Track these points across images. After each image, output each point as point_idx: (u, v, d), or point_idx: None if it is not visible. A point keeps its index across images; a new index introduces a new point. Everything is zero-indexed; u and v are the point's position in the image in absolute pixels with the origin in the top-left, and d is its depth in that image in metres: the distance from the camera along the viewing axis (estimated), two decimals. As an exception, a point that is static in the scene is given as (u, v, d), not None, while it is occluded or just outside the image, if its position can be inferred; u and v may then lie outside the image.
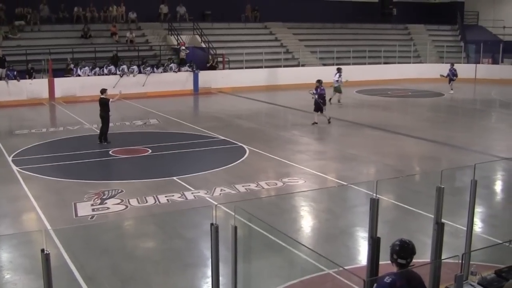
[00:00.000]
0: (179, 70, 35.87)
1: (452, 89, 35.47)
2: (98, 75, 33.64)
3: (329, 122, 24.56)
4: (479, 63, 44.08)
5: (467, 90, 37.50)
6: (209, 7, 43.34)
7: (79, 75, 33.33)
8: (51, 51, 33.78)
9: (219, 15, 42.94)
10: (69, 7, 38.79)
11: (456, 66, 36.65)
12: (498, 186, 16.28)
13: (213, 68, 37.64)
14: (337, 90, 31.15)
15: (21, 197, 14.46)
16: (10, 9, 36.97)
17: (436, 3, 52.01)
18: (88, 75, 33.46)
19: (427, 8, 51.86)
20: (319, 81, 24.72)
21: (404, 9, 50.33)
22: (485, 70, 43.21)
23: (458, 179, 14.53)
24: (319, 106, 24.41)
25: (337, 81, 31.02)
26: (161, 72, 35.21)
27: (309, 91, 24.54)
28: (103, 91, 20.84)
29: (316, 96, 24.29)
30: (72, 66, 33.40)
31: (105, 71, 34.00)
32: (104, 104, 20.59)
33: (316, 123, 24.35)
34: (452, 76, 35.77)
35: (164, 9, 41.44)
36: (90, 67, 33.83)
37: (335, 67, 32.83)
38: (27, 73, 32.12)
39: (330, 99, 30.03)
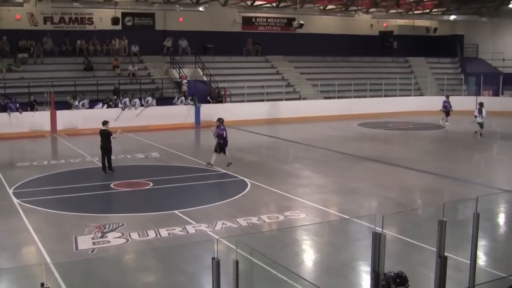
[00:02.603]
0: (182, 102, 35.93)
1: (447, 121, 35.56)
2: (98, 106, 33.73)
3: (227, 165, 22.14)
4: (479, 95, 44.14)
5: (468, 122, 37.53)
6: (211, 40, 43.63)
7: (78, 108, 33.35)
8: (54, 84, 33.99)
9: (221, 49, 43.20)
10: (72, 40, 39.13)
11: (456, 98, 36.85)
12: (501, 219, 16.21)
13: (220, 101, 37.72)
14: (481, 125, 31.17)
15: (21, 229, 14.40)
16: (13, 41, 37.28)
17: (436, 36, 52.29)
18: (87, 108, 33.46)
19: (427, 41, 52.16)
20: (219, 120, 22.56)
21: (405, 42, 50.65)
22: (485, 102, 42.93)
23: (460, 212, 14.46)
24: (220, 146, 22.24)
25: (480, 116, 31.06)
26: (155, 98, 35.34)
27: (211, 129, 23.18)
28: (105, 123, 21.17)
29: (215, 135, 22.32)
30: (70, 100, 33.46)
31: (104, 105, 34.09)
32: (105, 135, 20.84)
33: (211, 165, 22.11)
34: (449, 107, 35.94)
35: (168, 42, 41.69)
36: (89, 101, 33.85)
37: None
38: (30, 106, 32.27)
39: (476, 132, 30.71)
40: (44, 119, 32.41)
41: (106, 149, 20.96)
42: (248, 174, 20.70)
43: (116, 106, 34.09)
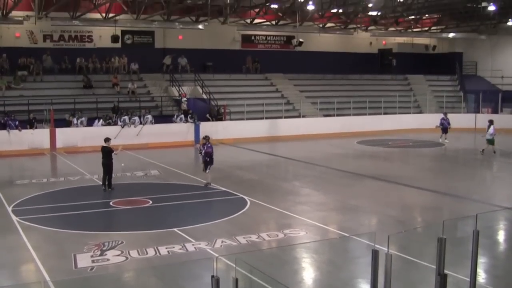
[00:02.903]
0: (182, 120, 35.95)
1: (446, 139, 35.62)
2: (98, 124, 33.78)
3: (205, 185, 21.93)
4: (478, 112, 44.30)
5: (467, 140, 37.61)
6: (210, 58, 43.79)
7: (77, 126, 33.36)
8: (53, 101, 34.01)
9: (220, 67, 43.35)
10: (72, 58, 39.26)
11: (456, 116, 36.92)
12: (501, 236, 16.18)
13: (219, 119, 37.72)
14: (491, 142, 31.13)
15: (20, 247, 14.37)
16: (13, 59, 37.41)
17: (435, 53, 52.50)
18: (85, 126, 33.46)
19: (426, 59, 52.37)
20: (206, 138, 22.19)
21: (404, 60, 50.86)
22: (485, 119, 43.24)
23: (460, 229, 14.44)
24: (206, 164, 21.94)
25: (491, 134, 31.02)
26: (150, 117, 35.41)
27: (196, 147, 22.90)
28: (107, 140, 21.35)
29: (202, 153, 22.01)
30: (69, 117, 33.50)
31: (100, 121, 34.10)
32: (107, 152, 21.04)
33: (209, 183, 22.00)
34: (446, 125, 35.98)
35: (167, 60, 41.80)
36: (87, 119, 33.86)
37: (487, 119, 32.64)
38: (29, 123, 32.27)
39: (483, 150, 30.73)
40: (44, 136, 32.43)
41: (107, 166, 21.09)
42: (248, 192, 20.68)
43: (115, 123, 34.10)
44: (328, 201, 20.26)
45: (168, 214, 18.20)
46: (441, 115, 37.07)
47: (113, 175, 21.58)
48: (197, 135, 35.72)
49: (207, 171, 22.00)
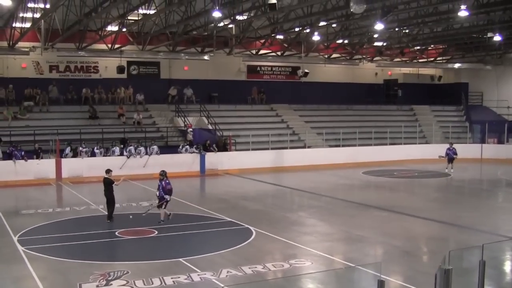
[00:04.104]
0: (187, 151, 35.96)
1: (452, 169, 35.62)
2: (103, 155, 33.81)
3: (159, 222, 20.43)
4: (484, 143, 44.30)
5: (473, 170, 37.57)
6: (216, 89, 44.03)
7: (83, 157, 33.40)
8: (59, 132, 34.19)
9: (226, 97, 43.59)
10: (77, 88, 39.51)
11: (462, 146, 36.99)
12: (507, 267, 16.08)
13: (225, 149, 37.77)
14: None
15: (26, 277, 14.35)
16: (19, 90, 37.70)
17: (441, 84, 52.70)
18: (89, 157, 33.51)
19: (432, 89, 52.60)
20: (162, 173, 21.00)
21: (409, 90, 51.07)
22: (491, 150, 43.37)
23: (466, 260, 14.38)
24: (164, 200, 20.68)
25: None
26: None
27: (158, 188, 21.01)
28: (108, 171, 21.24)
29: (163, 192, 20.70)
30: (68, 151, 33.42)
31: (108, 152, 34.10)
32: (108, 184, 20.92)
33: (163, 220, 20.65)
34: (452, 154, 36.02)
35: (173, 91, 42.04)
36: (92, 148, 33.80)
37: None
38: (35, 153, 32.33)
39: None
40: (49, 167, 32.48)
41: (108, 198, 21.09)
42: (253, 222, 20.65)
43: (121, 154, 34.07)
44: (333, 231, 20.20)
45: (173, 244, 18.17)
46: (447, 145, 37.11)
47: (117, 205, 21.55)
48: (203, 165, 35.80)
49: (163, 207, 20.69)
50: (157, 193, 20.94)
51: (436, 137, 45.83)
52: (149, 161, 34.32)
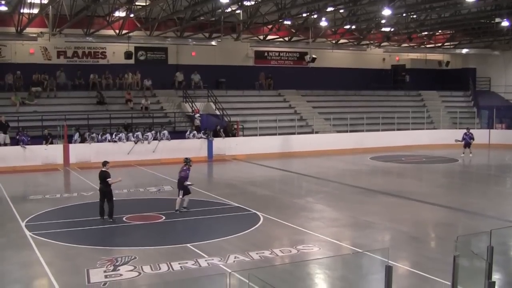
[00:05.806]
0: (195, 136, 35.93)
1: (471, 153, 35.62)
2: (109, 141, 33.80)
3: (178, 211, 19.98)
4: (492, 128, 44.17)
5: (481, 156, 37.44)
6: (224, 74, 43.92)
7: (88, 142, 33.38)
8: (67, 117, 34.21)
9: (233, 83, 43.49)
10: (85, 74, 39.51)
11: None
12: (515, 253, 16.05)
13: (233, 135, 37.73)
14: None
15: (33, 262, 14.40)
16: (27, 75, 37.70)
17: (448, 69, 52.44)
18: (97, 142, 33.53)
19: (439, 75, 52.35)
20: (186, 160, 21.19)
21: (417, 76, 50.89)
22: (499, 135, 43.25)
23: (474, 246, 14.35)
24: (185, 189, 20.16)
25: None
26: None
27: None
28: (105, 163, 19.67)
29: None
30: (77, 136, 33.46)
31: (115, 138, 34.04)
32: (104, 177, 19.22)
33: (179, 210, 20.14)
34: (469, 139, 36.03)
35: (179, 76, 42.02)
36: (100, 134, 33.91)
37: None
38: (44, 139, 32.36)
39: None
40: (57, 152, 32.55)
41: (103, 192, 19.17)
42: (261, 208, 20.65)
43: (127, 139, 34.01)
44: (341, 217, 20.18)
45: (181, 230, 18.21)
46: (465, 130, 37.15)
47: (117, 197, 20.88)
48: (210, 151, 35.80)
49: (182, 196, 20.20)
50: (188, 181, 20.39)
51: (444, 123, 45.72)
52: (158, 146, 34.32)
